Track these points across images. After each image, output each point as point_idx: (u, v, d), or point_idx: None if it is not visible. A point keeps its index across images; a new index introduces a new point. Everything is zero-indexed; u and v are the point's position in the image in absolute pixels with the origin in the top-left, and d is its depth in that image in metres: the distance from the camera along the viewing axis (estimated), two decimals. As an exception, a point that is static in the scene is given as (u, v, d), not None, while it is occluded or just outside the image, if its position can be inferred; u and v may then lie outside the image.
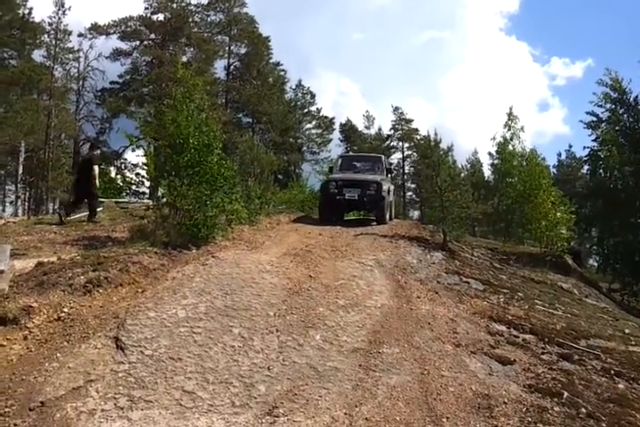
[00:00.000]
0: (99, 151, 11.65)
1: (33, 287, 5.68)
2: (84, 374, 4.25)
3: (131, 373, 4.31)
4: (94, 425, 3.70)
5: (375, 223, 12.74)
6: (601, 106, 17.62)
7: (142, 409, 3.90)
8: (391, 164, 42.22)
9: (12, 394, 3.97)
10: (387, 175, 14.26)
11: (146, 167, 9.01)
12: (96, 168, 11.28)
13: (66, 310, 5.25)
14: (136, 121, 9.90)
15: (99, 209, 11.97)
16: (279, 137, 35.88)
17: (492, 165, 24.51)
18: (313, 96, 41.15)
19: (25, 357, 4.50)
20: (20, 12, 28.00)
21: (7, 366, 4.33)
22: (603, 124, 17.94)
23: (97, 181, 11.27)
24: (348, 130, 42.70)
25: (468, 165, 33.46)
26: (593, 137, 18.27)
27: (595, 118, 18.15)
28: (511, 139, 18.72)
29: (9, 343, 4.65)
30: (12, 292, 5.54)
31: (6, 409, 3.79)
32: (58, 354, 4.52)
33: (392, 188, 14.86)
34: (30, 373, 4.23)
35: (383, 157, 15.64)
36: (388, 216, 13.04)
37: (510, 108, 19.41)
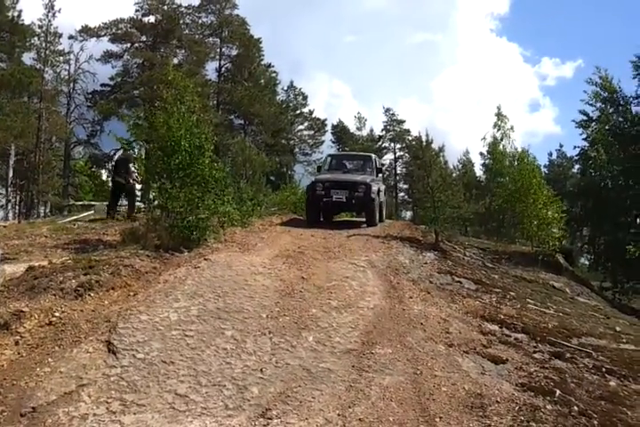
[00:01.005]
0: (132, 151, 11.89)
1: (24, 292, 5.65)
2: (76, 378, 4.23)
3: (123, 377, 4.30)
4: (86, 430, 3.69)
5: (365, 225, 12.28)
6: (591, 105, 17.78)
7: (135, 413, 3.88)
8: (383, 164, 42.36)
9: (3, 400, 3.95)
10: (377, 175, 13.61)
11: (136, 171, 9.00)
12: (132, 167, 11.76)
13: (57, 314, 5.23)
14: (125, 123, 9.86)
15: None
16: (271, 139, 35.85)
17: (484, 165, 24.66)
18: (305, 98, 41.20)
19: (16, 362, 4.49)
20: (10, 14, 27.78)
21: (-2, 372, 4.31)
22: (593, 124, 18.07)
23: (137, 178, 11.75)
24: (340, 131, 42.72)
25: (460, 166, 33.56)
26: (584, 136, 18.43)
27: (585, 117, 18.30)
28: (501, 139, 18.84)
29: (0, 348, 4.63)
30: (3, 296, 5.52)
31: (-3, 415, 3.77)
32: (49, 359, 4.50)
33: (383, 188, 14.18)
34: (21, 378, 4.21)
35: (374, 156, 14.87)
36: (378, 218, 12.55)
37: (498, 108, 19.53)
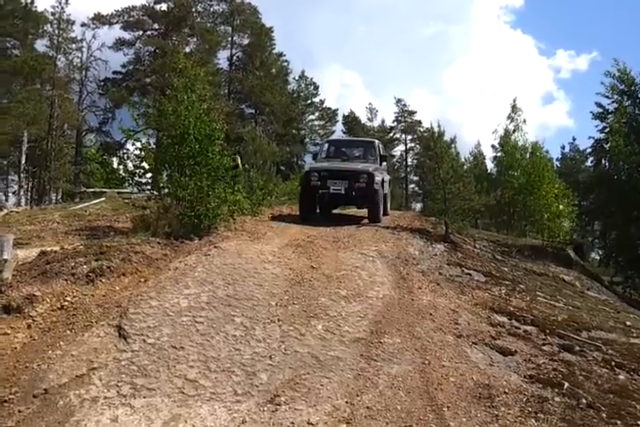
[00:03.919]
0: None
1: (36, 276, 5.70)
2: (87, 362, 4.28)
3: (133, 361, 4.34)
4: (97, 412, 3.73)
5: (366, 220, 11.06)
6: (608, 97, 17.54)
7: (145, 397, 3.93)
8: (393, 155, 42.08)
9: (16, 381, 4.01)
10: (381, 164, 12.11)
11: (142, 160, 9.04)
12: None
13: (69, 298, 5.28)
14: (132, 112, 9.80)
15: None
16: (282, 128, 35.76)
17: (495, 157, 24.44)
18: (316, 87, 41.01)
19: (28, 345, 4.54)
20: (23, 1, 27.84)
21: (11, 354, 4.37)
22: (610, 116, 17.84)
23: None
24: (351, 122, 42.53)
25: (471, 158, 33.26)
26: (599, 128, 18.19)
27: (601, 110, 18.07)
28: (514, 131, 18.71)
29: (13, 332, 4.68)
30: (16, 281, 5.56)
31: (10, 396, 3.83)
32: (61, 342, 4.55)
33: (387, 178, 12.72)
34: (34, 360, 4.27)
35: (377, 141, 13.08)
36: (382, 213, 11.27)
37: (514, 100, 19.37)
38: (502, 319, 6.13)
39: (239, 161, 12.82)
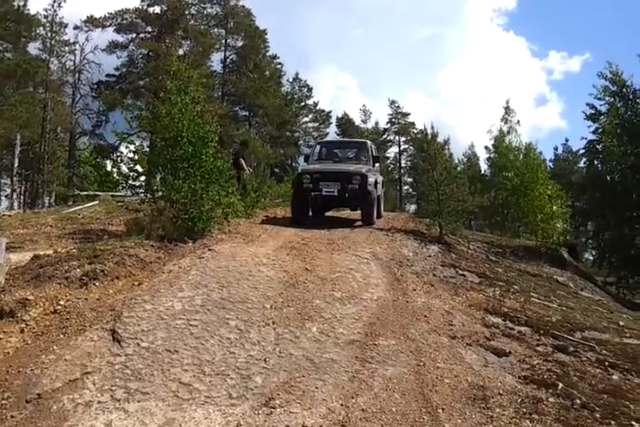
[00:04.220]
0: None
1: (29, 280, 5.67)
2: (81, 366, 4.25)
3: (127, 365, 4.31)
4: (91, 417, 3.71)
5: (360, 223, 10.88)
6: (600, 98, 17.70)
7: (139, 401, 3.90)
8: (387, 157, 42.15)
9: (9, 386, 3.98)
10: (374, 165, 11.87)
11: (135, 163, 9.03)
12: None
13: (62, 302, 5.25)
14: (126, 115, 9.76)
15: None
16: (276, 130, 35.81)
17: (489, 158, 24.54)
18: (310, 89, 41.15)
19: (21, 349, 4.51)
20: (16, 4, 27.79)
21: (4, 359, 4.34)
22: (602, 117, 18.01)
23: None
24: (345, 124, 42.62)
25: (465, 159, 33.38)
26: (592, 129, 18.36)
27: (593, 111, 18.22)
28: (508, 132, 18.86)
29: (5, 336, 4.66)
30: (9, 285, 5.54)
31: (3, 401, 3.81)
32: (54, 346, 4.52)
33: (380, 180, 12.48)
34: (27, 365, 4.24)
35: (369, 142, 12.89)
36: (375, 215, 11.09)
37: (507, 102, 19.52)
38: (496, 320, 6.13)
39: (243, 163, 12.94)
